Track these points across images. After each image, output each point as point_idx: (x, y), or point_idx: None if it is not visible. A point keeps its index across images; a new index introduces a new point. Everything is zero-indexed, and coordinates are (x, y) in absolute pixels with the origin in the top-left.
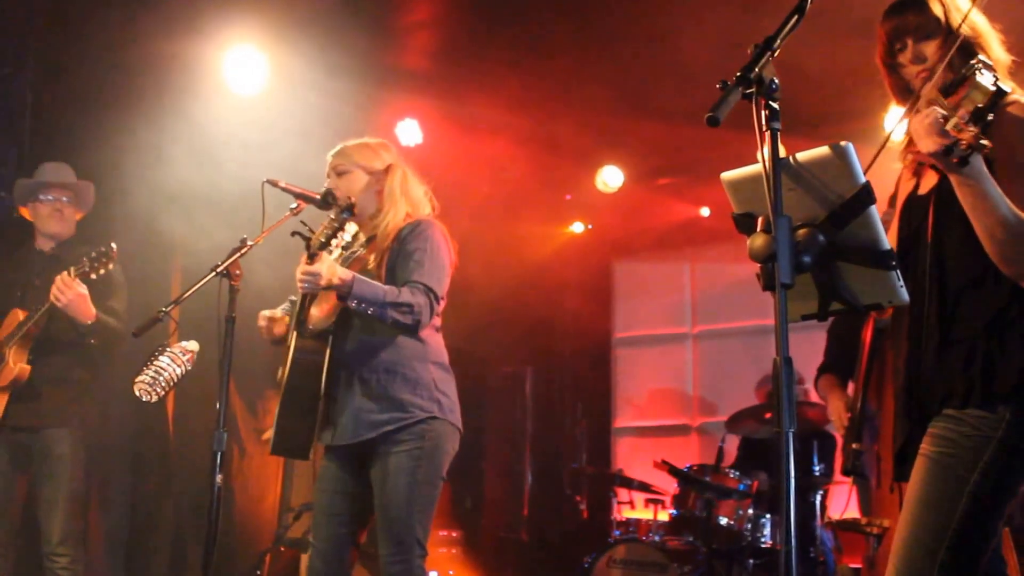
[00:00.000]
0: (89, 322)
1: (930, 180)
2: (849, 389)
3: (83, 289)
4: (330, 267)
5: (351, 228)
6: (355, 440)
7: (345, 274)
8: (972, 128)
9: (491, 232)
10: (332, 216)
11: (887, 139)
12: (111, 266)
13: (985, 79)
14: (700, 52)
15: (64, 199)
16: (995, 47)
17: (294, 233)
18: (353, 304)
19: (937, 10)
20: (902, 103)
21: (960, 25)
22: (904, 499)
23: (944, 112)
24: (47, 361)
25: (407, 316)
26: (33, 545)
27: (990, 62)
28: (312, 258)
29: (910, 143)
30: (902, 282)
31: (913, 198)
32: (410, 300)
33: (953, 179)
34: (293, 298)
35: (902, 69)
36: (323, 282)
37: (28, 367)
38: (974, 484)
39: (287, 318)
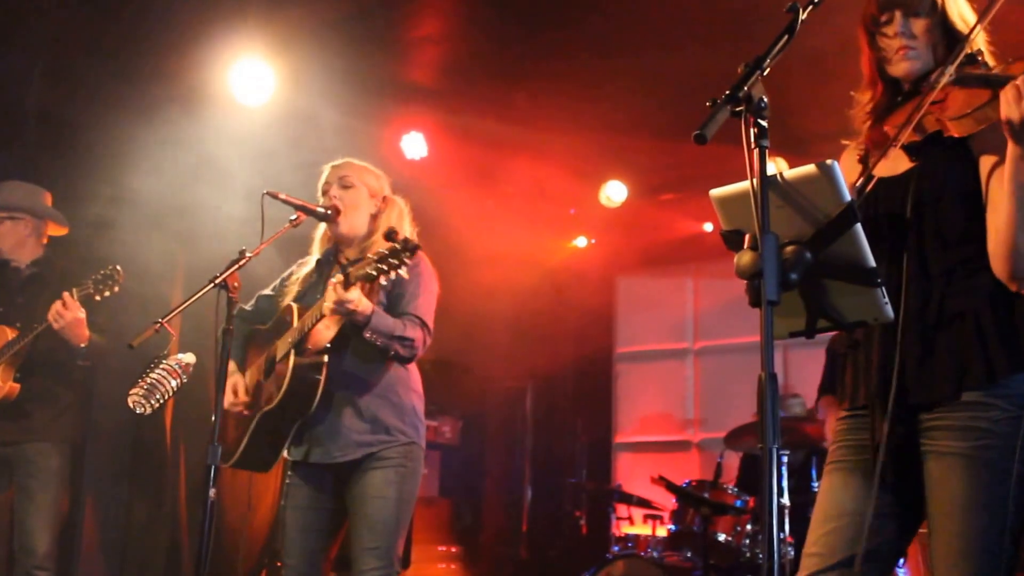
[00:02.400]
0: (83, 345)
1: (897, 164)
2: None
3: (82, 313)
4: (361, 298)
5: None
6: (339, 460)
7: (368, 306)
8: None
9: (495, 246)
10: (390, 252)
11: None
12: (116, 288)
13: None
14: (705, 69)
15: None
16: (980, 43)
17: (338, 263)
18: (368, 334)
19: None
20: (870, 74)
21: (973, 30)
22: (935, 502)
23: None
24: (32, 379)
25: (407, 350)
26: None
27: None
28: (347, 286)
29: (876, 124)
30: (887, 299)
31: (875, 181)
32: (412, 335)
33: (1017, 151)
34: (251, 304)
35: (882, 39)
36: (351, 309)
37: (16, 386)
38: (1018, 474)
39: (241, 386)
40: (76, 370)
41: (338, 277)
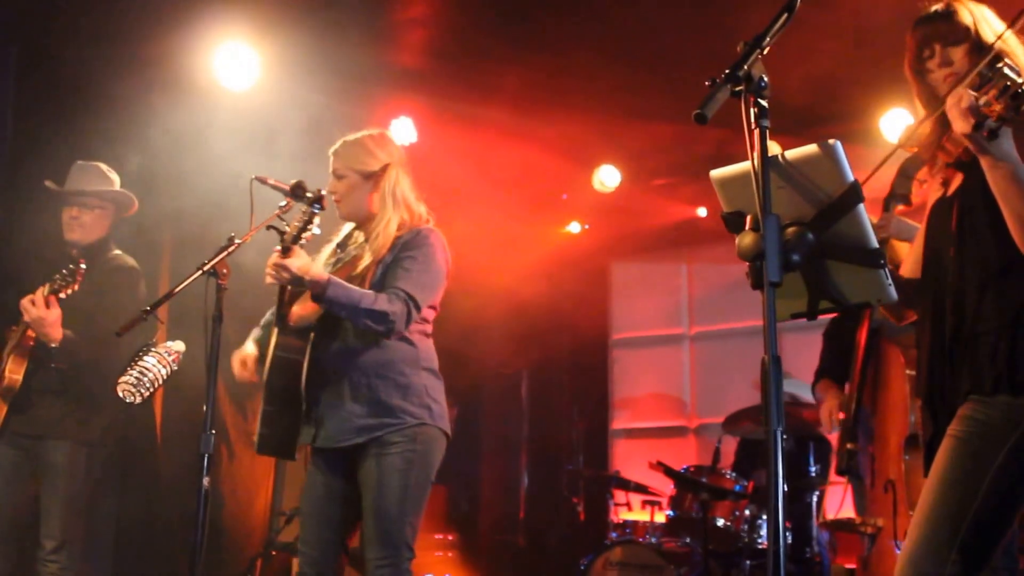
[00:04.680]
0: (53, 345)
1: (955, 183)
2: (846, 390)
3: (55, 313)
4: (303, 263)
5: (349, 228)
6: (342, 444)
7: (319, 274)
8: (1002, 102)
9: (487, 232)
10: (303, 209)
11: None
12: (76, 287)
13: (1010, 72)
14: (699, 52)
15: (82, 205)
16: (1023, 58)
17: (270, 227)
18: (326, 305)
19: (966, 19)
20: (925, 109)
21: (997, 40)
22: (928, 477)
23: (975, 93)
24: (44, 372)
25: (380, 324)
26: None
27: (1017, 68)
28: (286, 251)
29: (941, 146)
30: (890, 280)
31: (941, 201)
32: (386, 308)
33: (986, 162)
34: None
35: (929, 75)
36: (292, 276)
37: (18, 378)
38: (998, 467)
39: (250, 360)
40: (91, 367)
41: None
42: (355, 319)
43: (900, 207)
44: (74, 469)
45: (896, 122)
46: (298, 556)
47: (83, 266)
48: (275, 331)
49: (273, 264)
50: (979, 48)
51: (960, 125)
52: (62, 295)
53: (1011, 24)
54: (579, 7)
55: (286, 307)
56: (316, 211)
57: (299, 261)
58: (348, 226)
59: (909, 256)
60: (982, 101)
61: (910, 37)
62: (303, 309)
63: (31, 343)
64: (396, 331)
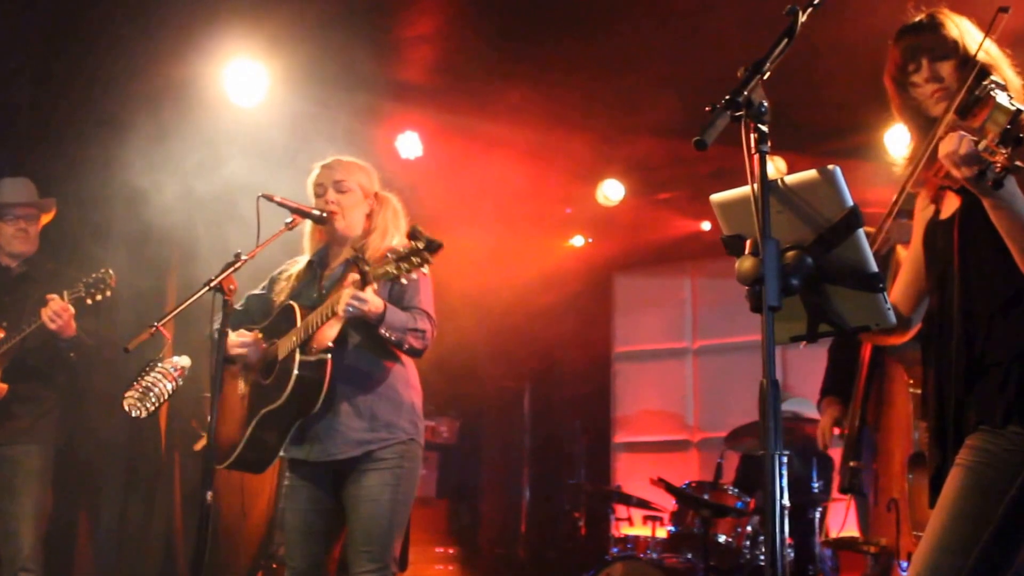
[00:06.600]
0: (71, 335)
1: (951, 204)
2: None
3: (71, 310)
4: (376, 298)
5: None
6: (338, 457)
7: (380, 304)
8: (1004, 150)
9: (491, 245)
10: (411, 251)
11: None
12: (108, 292)
13: (1004, 99)
14: (701, 67)
15: (27, 217)
16: (1007, 71)
17: (352, 260)
18: (384, 331)
19: (953, 32)
20: (907, 122)
21: (978, 51)
22: (936, 506)
23: (974, 137)
24: (16, 381)
25: (420, 341)
26: None
27: (1003, 82)
28: (365, 284)
29: (934, 167)
30: (889, 305)
31: (935, 224)
32: (424, 327)
33: (987, 203)
34: (257, 292)
35: (914, 88)
36: (368, 309)
37: (5, 386)
38: (1011, 498)
39: (259, 335)
40: (60, 372)
41: (353, 276)
42: (401, 339)
43: (904, 222)
44: (44, 474)
45: (900, 137)
46: (286, 571)
47: (112, 272)
48: (296, 353)
49: (356, 297)
50: (966, 63)
51: (962, 172)
52: (89, 301)
53: (988, 31)
54: (582, 24)
55: (316, 330)
56: (430, 257)
57: (371, 293)
58: (302, 259)
59: (900, 279)
60: (981, 146)
61: (893, 47)
62: (326, 333)
63: (14, 351)
64: (428, 347)
